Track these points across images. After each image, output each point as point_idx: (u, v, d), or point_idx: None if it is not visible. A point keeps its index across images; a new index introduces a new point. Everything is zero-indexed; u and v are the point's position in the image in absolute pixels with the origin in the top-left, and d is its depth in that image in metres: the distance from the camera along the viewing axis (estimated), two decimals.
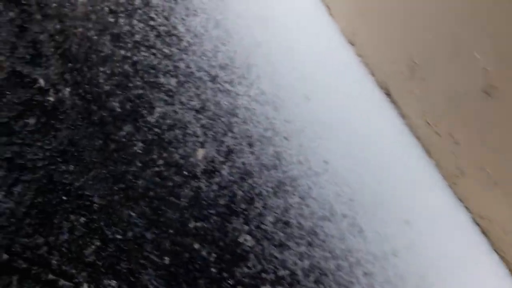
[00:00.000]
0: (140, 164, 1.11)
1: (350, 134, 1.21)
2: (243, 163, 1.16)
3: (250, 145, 1.18)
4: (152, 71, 1.22)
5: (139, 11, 1.29)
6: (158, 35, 1.27)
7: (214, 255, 1.06)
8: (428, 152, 1.18)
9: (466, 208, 1.20)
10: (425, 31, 0.87)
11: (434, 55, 0.88)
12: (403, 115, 1.18)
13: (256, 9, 1.29)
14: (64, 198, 1.05)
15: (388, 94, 1.20)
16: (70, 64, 1.20)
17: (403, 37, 0.94)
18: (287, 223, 1.14)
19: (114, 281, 0.98)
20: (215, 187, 1.14)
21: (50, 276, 0.97)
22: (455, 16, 0.83)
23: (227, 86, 1.23)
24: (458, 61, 0.88)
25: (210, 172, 1.15)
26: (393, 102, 1.19)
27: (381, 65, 1.13)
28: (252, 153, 1.18)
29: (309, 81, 1.23)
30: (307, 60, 1.26)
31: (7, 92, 1.16)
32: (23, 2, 1.27)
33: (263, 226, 1.12)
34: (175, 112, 1.18)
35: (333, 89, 1.24)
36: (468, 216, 1.28)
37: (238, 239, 1.09)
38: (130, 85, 1.19)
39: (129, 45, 1.24)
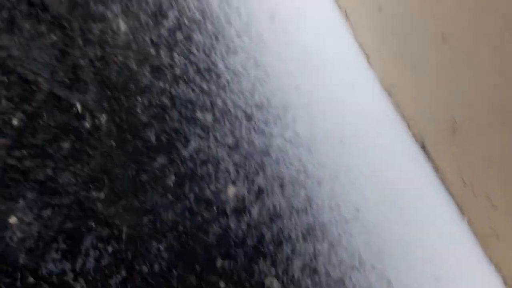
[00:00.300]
0: (171, 197, 1.16)
1: (382, 183, 1.26)
2: (273, 205, 1.21)
3: (282, 186, 1.23)
4: (189, 105, 1.28)
5: (181, 45, 1.37)
6: (198, 71, 1.34)
7: None
8: (461, 209, 1.22)
9: (498, 270, 1.22)
10: (471, 94, 0.93)
11: (478, 119, 0.94)
12: (437, 169, 1.23)
13: (296, 52, 1.38)
14: (93, 225, 1.09)
15: (423, 146, 1.26)
16: (108, 92, 1.27)
17: (446, 95, 1.01)
18: (315, 270, 1.17)
19: None
20: (244, 226, 1.17)
21: None
22: (505, 84, 0.90)
23: (262, 125, 1.29)
24: (504, 129, 0.94)
25: (240, 210, 1.19)
26: (428, 155, 1.25)
27: (418, 118, 1.19)
28: (283, 195, 1.22)
29: (345, 127, 1.30)
30: (344, 106, 1.33)
31: (44, 115, 1.22)
32: (66, 26, 1.37)
33: (290, 271, 1.15)
34: (209, 147, 1.23)
35: (368, 136, 1.30)
36: (499, 279, 1.30)
37: (265, 282, 1.12)
38: (167, 117, 1.25)
39: (169, 78, 1.31)
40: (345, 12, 1.36)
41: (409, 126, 1.25)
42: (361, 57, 1.34)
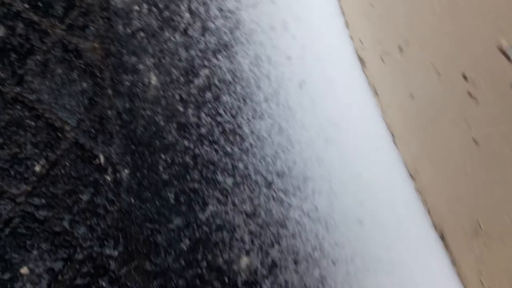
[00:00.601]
0: (183, 263, 1.20)
1: (398, 271, 1.29)
2: (286, 281, 1.24)
3: (296, 262, 1.27)
4: (211, 166, 1.35)
5: (209, 105, 1.45)
6: (223, 132, 1.42)
7: None
8: None
9: None
10: (502, 203, 0.98)
11: (507, 230, 0.98)
12: (455, 263, 1.26)
13: (321, 123, 1.46)
14: (103, 284, 1.14)
15: (442, 237, 1.30)
16: (132, 146, 1.34)
17: (473, 196, 1.05)
18: None
19: None
20: None
21: None
22: None
23: (281, 195, 1.35)
24: None
25: (251, 284, 1.23)
26: (447, 246, 1.29)
27: (440, 210, 1.24)
28: (296, 271, 1.26)
29: (365, 206, 1.35)
30: (365, 184, 1.39)
31: (67, 164, 1.29)
32: (98, 75, 1.46)
33: None
34: (227, 213, 1.29)
35: (387, 218, 1.35)
36: None
37: None
38: (188, 177, 1.31)
39: (194, 137, 1.39)
40: (375, 89, 1.45)
41: (429, 213, 1.30)
42: (388, 136, 1.41)
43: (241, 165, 1.33)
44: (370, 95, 1.47)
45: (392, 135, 1.39)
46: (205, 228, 1.22)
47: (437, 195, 1.21)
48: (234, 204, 1.27)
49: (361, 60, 1.50)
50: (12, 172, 1.17)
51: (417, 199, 1.33)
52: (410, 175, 1.35)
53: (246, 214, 1.27)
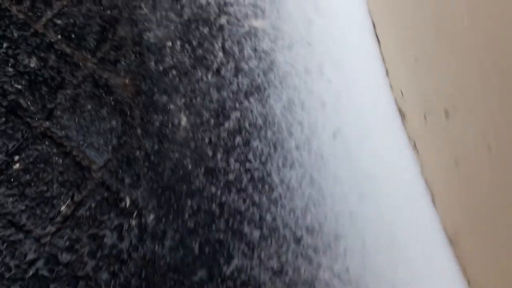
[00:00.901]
0: None
1: None
2: None
3: None
4: (238, 216, 1.41)
5: (238, 150, 1.53)
6: (251, 179, 1.49)
7: None
8: None
9: None
10: None
11: None
12: None
13: (355, 175, 1.51)
14: None
15: None
16: (159, 190, 1.42)
17: None
18: None
19: None
20: None
21: None
22: None
23: (311, 252, 1.40)
24: None
25: None
26: None
27: (480, 281, 1.27)
28: None
29: (399, 269, 1.39)
30: (401, 245, 1.43)
31: (92, 205, 1.37)
32: (128, 113, 1.55)
33: None
34: (252, 268, 1.34)
35: (423, 284, 1.38)
36: None
37: None
38: (213, 227, 1.38)
39: (221, 184, 1.45)
40: (415, 144, 1.51)
41: (469, 283, 1.33)
42: (426, 195, 1.46)
43: (269, 217, 1.39)
44: (409, 149, 1.53)
45: (432, 194, 1.44)
46: (229, 283, 1.27)
47: (479, 265, 1.24)
48: (260, 259, 1.32)
49: (401, 112, 1.56)
50: (38, 211, 1.26)
51: (455, 266, 1.37)
52: (449, 239, 1.39)
53: (272, 271, 1.32)
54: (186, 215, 1.34)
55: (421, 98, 1.38)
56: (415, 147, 1.50)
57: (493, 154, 1.00)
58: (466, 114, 1.11)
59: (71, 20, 1.59)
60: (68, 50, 1.54)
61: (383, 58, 1.68)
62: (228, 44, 1.67)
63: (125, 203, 1.32)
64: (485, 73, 1.00)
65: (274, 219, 1.39)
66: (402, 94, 1.53)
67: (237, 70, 1.63)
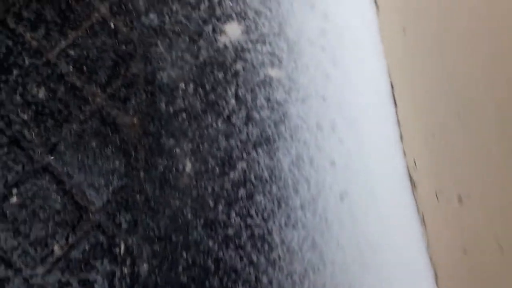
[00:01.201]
0: None
1: None
2: None
3: None
4: (232, 275, 1.47)
5: (240, 203, 1.60)
6: (251, 236, 1.55)
7: None
8: None
9: None
10: None
11: None
12: None
13: (359, 242, 1.58)
14: None
15: None
16: (156, 239, 1.49)
17: None
18: None
19: None
20: None
21: None
22: None
23: None
24: None
25: None
26: None
27: None
28: None
29: None
30: None
31: (86, 248, 1.45)
32: (132, 154, 1.64)
33: None
34: None
35: None
36: None
37: None
38: (207, 284, 1.44)
39: (220, 238, 1.52)
40: (423, 218, 1.57)
41: None
42: (430, 274, 1.52)
43: (265, 279, 1.45)
44: (416, 221, 1.60)
45: (435, 274, 1.50)
46: None
47: None
48: None
49: (412, 181, 1.63)
50: (30, 250, 1.33)
51: None
52: None
53: None
54: (180, 268, 1.41)
55: (434, 175, 1.44)
56: (423, 221, 1.57)
57: (505, 254, 1.04)
58: (480, 205, 1.15)
59: (84, 52, 1.69)
60: (78, 83, 1.63)
61: (398, 122, 1.76)
62: (241, 91, 1.76)
63: (120, 250, 1.39)
64: (507, 168, 1.05)
65: (270, 282, 1.46)
66: (415, 164, 1.60)
67: (248, 119, 1.72)
